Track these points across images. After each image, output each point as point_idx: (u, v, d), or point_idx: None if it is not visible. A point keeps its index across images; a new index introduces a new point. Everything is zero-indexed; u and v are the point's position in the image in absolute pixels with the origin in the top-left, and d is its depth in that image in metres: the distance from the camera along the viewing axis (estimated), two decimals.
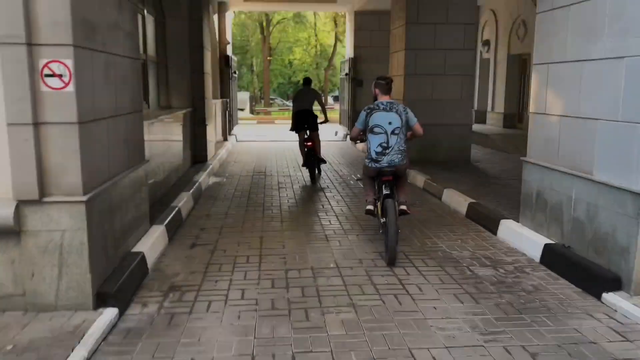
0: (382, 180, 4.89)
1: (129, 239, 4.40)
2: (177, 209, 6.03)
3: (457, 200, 6.87)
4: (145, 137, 5.21)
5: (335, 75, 41.50)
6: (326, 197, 7.63)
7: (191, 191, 7.04)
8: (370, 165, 4.95)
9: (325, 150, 13.09)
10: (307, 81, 8.97)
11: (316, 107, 8.69)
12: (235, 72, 15.93)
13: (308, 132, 8.45)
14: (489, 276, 4.39)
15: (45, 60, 3.25)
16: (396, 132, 4.81)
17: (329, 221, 6.21)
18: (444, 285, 4.19)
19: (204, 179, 8.27)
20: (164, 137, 7.42)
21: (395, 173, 4.88)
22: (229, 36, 15.94)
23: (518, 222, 5.49)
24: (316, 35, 39.04)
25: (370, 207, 5.12)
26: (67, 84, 3.31)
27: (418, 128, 4.98)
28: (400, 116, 4.83)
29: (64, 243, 3.40)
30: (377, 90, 5.00)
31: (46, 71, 3.28)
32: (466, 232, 5.75)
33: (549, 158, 4.93)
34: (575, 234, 4.51)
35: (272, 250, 5.08)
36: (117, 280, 3.75)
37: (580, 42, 4.46)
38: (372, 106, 4.93)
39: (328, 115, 8.94)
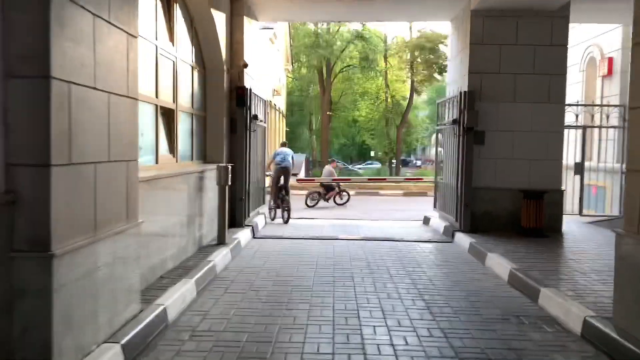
0: (278, 187, 10.76)
1: None
2: None
3: None
4: None
5: (410, 134, 34.61)
6: None
7: None
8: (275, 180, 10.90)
9: (409, 258, 5.80)
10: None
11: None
12: (256, 117, 9.26)
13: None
14: None
15: None
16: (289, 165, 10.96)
17: None
18: None
19: None
20: None
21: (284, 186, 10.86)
22: (250, 56, 9.49)
23: None
24: (387, 86, 31.96)
25: (276, 199, 10.80)
26: None
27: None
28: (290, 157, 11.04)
29: None
30: (280, 146, 11.78)
31: None
32: None
33: None
34: None
35: None
36: None
37: None
38: (278, 152, 11.06)
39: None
